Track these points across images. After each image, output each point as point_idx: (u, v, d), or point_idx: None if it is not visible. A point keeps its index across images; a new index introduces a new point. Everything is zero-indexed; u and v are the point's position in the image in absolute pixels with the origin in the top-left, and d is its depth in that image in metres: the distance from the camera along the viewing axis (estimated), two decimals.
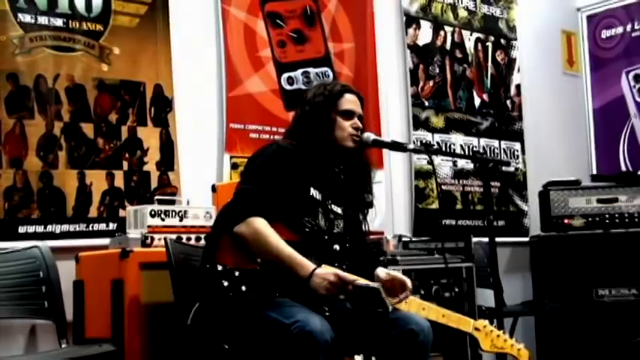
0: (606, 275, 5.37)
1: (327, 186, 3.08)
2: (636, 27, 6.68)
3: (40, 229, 3.84)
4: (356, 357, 3.52)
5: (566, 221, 5.55)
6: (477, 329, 2.96)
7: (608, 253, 5.40)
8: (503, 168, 5.99)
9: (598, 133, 6.79)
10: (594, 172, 6.59)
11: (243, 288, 2.79)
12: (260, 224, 2.81)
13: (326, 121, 3.05)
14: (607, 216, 5.52)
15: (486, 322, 2.97)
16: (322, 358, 2.59)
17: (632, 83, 6.66)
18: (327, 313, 2.84)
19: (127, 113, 4.19)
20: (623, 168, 6.57)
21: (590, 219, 5.53)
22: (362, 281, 2.78)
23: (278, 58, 4.85)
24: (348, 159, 3.17)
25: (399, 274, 2.97)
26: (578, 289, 5.36)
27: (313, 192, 3.01)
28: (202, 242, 3.49)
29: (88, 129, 4.04)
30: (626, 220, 5.48)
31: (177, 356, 3.29)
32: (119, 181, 4.12)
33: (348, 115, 3.09)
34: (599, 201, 5.55)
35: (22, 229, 3.79)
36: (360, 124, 3.11)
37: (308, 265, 2.78)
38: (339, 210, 3.11)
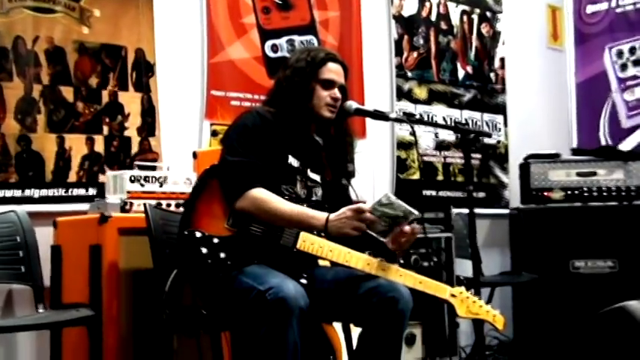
0: (583, 247, 5.41)
1: (305, 154, 3.08)
2: (620, 3, 6.68)
3: (17, 193, 3.81)
4: (334, 324, 3.53)
5: (545, 194, 5.57)
6: (453, 296, 2.97)
7: (585, 226, 5.44)
8: (485, 140, 6.00)
9: (580, 108, 6.81)
10: (575, 145, 6.61)
11: (222, 255, 2.79)
12: (257, 193, 2.82)
13: (304, 89, 3.04)
14: (586, 189, 5.55)
15: (462, 288, 2.99)
16: (296, 324, 2.60)
17: (615, 59, 6.67)
18: (304, 280, 2.85)
19: (107, 77, 4.15)
20: (603, 142, 6.60)
21: (569, 192, 5.56)
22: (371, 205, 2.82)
23: (262, 24, 4.81)
24: (328, 128, 3.16)
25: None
26: (556, 261, 5.40)
27: (291, 160, 3.01)
28: (182, 209, 3.48)
29: (67, 93, 4.00)
30: (604, 193, 5.52)
31: (155, 322, 3.30)
32: (99, 146, 4.09)
33: (328, 84, 3.07)
34: (578, 174, 5.58)
35: None
36: (339, 95, 3.09)
37: (320, 215, 2.84)
38: (317, 178, 3.11)
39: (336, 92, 3.08)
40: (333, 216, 2.81)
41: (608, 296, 4.41)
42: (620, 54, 6.66)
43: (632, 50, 6.61)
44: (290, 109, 3.02)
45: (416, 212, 2.84)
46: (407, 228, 2.86)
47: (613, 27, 6.72)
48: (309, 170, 3.08)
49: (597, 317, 2.63)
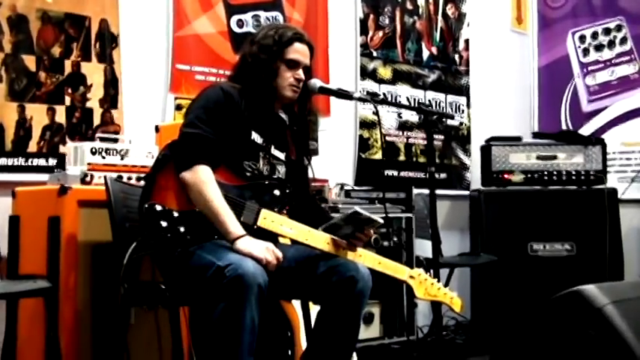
0: (542, 230, 5.48)
1: (269, 131, 3.08)
2: None
3: None
4: (293, 302, 3.55)
5: (506, 176, 5.62)
6: (411, 277, 3.00)
7: (544, 209, 5.51)
8: (448, 121, 6.03)
9: (542, 92, 6.86)
10: (536, 129, 6.67)
11: (181, 229, 2.79)
12: (203, 175, 2.80)
13: (269, 68, 3.04)
14: (546, 173, 5.61)
15: (421, 270, 3.02)
16: (254, 301, 2.60)
17: (578, 44, 6.73)
18: None
19: (70, 47, 4.11)
20: (564, 127, 6.66)
21: (529, 175, 5.62)
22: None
23: None
24: (293, 105, 3.17)
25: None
26: (514, 243, 5.46)
27: (255, 136, 3.01)
28: (143, 182, 3.46)
29: (29, 61, 3.96)
30: (564, 177, 5.59)
31: (113, 295, 3.28)
32: (60, 117, 4.06)
33: (293, 64, 3.07)
34: (539, 158, 5.64)
35: None
36: (303, 76, 3.09)
37: (238, 230, 2.77)
38: (281, 155, 3.11)
39: (300, 73, 3.08)
40: (243, 241, 2.75)
41: (565, 279, 4.49)
42: (582, 39, 6.71)
43: (595, 35, 6.67)
44: (254, 87, 3.02)
45: (381, 220, 2.92)
46: (371, 232, 2.97)
47: (576, 12, 6.77)
48: (272, 147, 3.08)
49: (552, 301, 2.66)
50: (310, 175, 3.26)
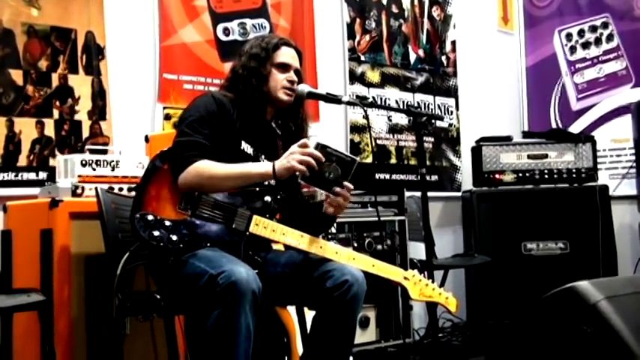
0: (534, 229, 5.49)
1: (260, 141, 3.08)
2: None
3: None
4: (288, 308, 3.54)
5: (497, 176, 5.63)
6: (406, 279, 3.00)
7: (537, 208, 5.52)
8: (437, 123, 6.04)
9: (530, 91, 6.88)
10: (526, 128, 6.68)
11: (174, 237, 2.78)
12: (198, 165, 2.81)
13: (260, 72, 3.05)
14: (537, 172, 5.63)
15: (415, 271, 3.02)
16: (248, 308, 2.60)
17: (564, 42, 6.75)
18: (258, 258, 2.86)
19: (57, 60, 4.10)
20: (554, 125, 6.68)
21: (520, 174, 5.63)
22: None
23: (214, 7, 4.78)
24: (283, 112, 3.17)
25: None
26: (508, 243, 5.47)
27: (244, 146, 3.01)
28: (134, 193, 3.46)
29: (16, 75, 3.95)
30: (555, 176, 5.61)
31: (107, 306, 3.27)
32: (49, 130, 4.05)
33: (284, 67, 3.09)
34: (529, 157, 5.65)
35: None
36: (296, 78, 3.11)
37: (265, 164, 2.86)
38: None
39: (293, 75, 3.10)
40: (277, 162, 2.82)
41: (559, 277, 4.48)
42: (569, 37, 6.74)
43: (581, 33, 6.70)
44: (246, 94, 3.02)
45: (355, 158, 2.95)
46: (348, 185, 2.93)
47: (562, 10, 6.79)
48: (263, 157, 3.07)
49: (546, 298, 2.66)
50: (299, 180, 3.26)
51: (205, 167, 2.82)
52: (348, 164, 2.91)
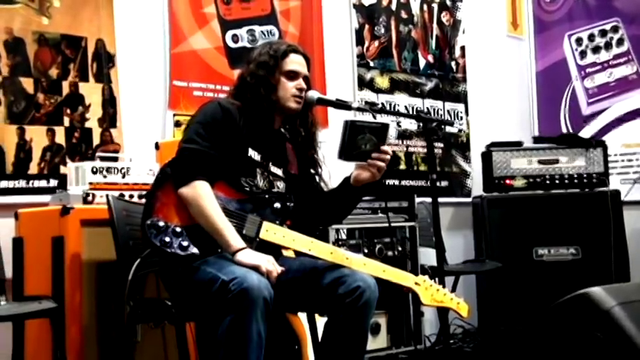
0: (546, 235, 5.47)
1: (267, 147, 3.07)
2: None
3: None
4: (299, 314, 3.54)
5: (507, 182, 5.62)
6: (417, 284, 2.99)
7: (548, 214, 5.50)
8: (447, 129, 6.03)
9: (540, 96, 6.86)
10: (536, 133, 6.66)
11: (185, 244, 2.78)
12: (201, 190, 2.80)
13: (269, 81, 3.04)
14: (547, 177, 5.61)
15: (426, 277, 3.01)
16: (260, 314, 2.59)
17: (574, 46, 6.73)
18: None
19: (68, 68, 4.12)
20: (564, 130, 6.66)
21: (531, 180, 5.61)
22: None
23: (223, 15, 4.80)
24: (294, 119, 3.16)
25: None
26: (519, 249, 5.45)
27: (252, 153, 3.00)
28: (144, 200, 3.46)
29: (27, 84, 3.97)
30: (566, 181, 5.59)
31: (119, 313, 3.28)
32: (60, 138, 4.06)
33: (293, 75, 3.08)
34: (540, 162, 5.63)
35: None
36: (305, 85, 3.10)
37: (237, 244, 2.77)
38: (279, 172, 3.10)
39: (302, 83, 3.08)
40: (243, 254, 2.75)
41: (571, 283, 4.47)
42: (579, 41, 6.73)
43: (591, 37, 6.68)
44: (255, 104, 3.01)
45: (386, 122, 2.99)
46: (386, 148, 2.96)
47: (572, 14, 6.78)
48: (270, 164, 3.06)
49: (559, 304, 2.65)
50: (322, 186, 3.25)
51: (204, 198, 2.79)
52: (380, 130, 2.96)
